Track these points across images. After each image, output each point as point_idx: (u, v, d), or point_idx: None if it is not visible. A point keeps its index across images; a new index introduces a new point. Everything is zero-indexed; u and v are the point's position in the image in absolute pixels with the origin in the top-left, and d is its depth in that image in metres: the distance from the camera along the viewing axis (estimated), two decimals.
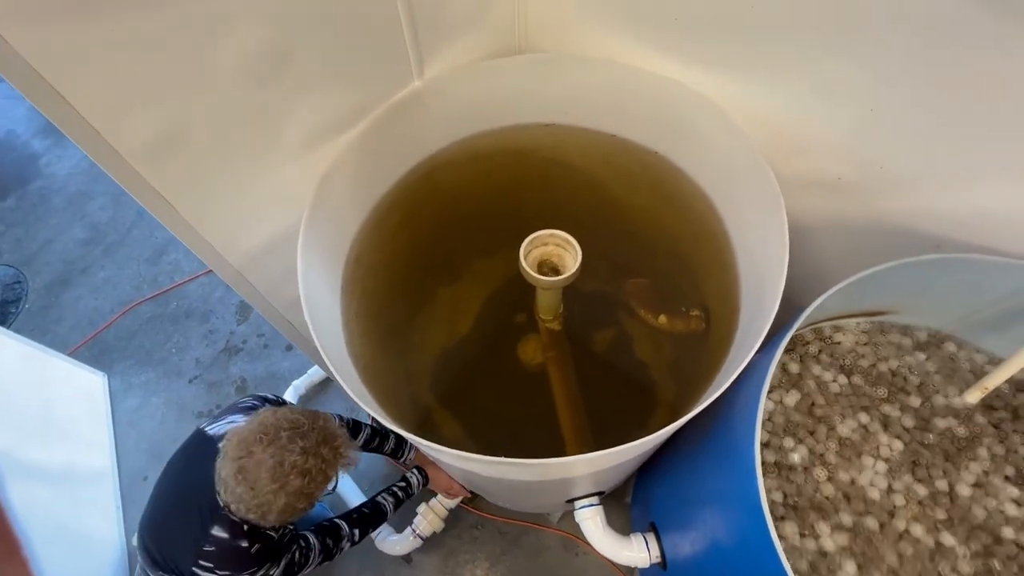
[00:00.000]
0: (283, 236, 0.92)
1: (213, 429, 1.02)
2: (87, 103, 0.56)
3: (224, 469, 0.87)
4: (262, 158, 0.81)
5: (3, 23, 0.47)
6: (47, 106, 0.53)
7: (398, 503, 1.32)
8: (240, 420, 1.03)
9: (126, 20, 0.55)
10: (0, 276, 2.31)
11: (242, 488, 0.85)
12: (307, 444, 0.88)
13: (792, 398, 0.85)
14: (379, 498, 1.29)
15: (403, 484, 1.35)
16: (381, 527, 1.50)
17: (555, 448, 1.11)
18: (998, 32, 0.58)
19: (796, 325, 0.74)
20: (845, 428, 0.81)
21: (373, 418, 1.22)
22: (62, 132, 0.56)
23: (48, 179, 2.63)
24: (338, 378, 0.70)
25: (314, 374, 1.88)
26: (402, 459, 1.41)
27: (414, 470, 1.39)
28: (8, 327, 2.12)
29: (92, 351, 2.08)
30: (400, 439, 1.38)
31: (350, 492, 1.60)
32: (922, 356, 0.87)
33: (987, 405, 0.82)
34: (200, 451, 0.99)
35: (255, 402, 1.10)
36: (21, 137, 2.81)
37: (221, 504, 0.90)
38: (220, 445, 0.92)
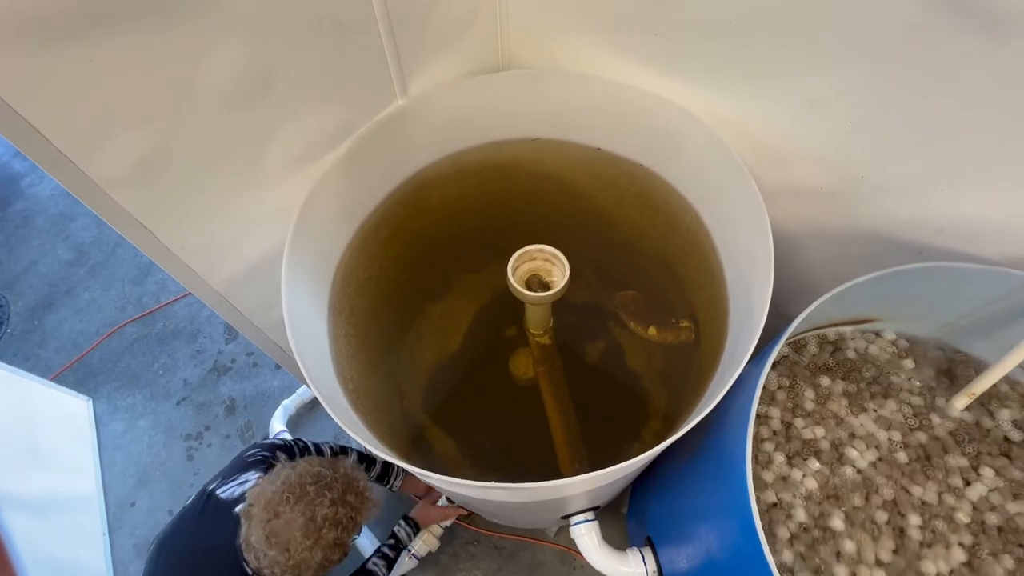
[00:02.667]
0: (268, 258, 0.91)
1: (225, 492, 0.98)
2: (59, 133, 0.55)
3: (253, 535, 0.85)
4: (244, 181, 0.80)
5: None
6: (17, 137, 0.52)
7: (390, 564, 1.27)
8: (252, 478, 0.99)
9: (101, 46, 0.54)
10: None
11: (275, 551, 0.83)
12: (334, 495, 0.88)
13: (783, 408, 0.85)
14: (369, 564, 1.23)
15: (392, 542, 1.31)
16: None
17: (549, 462, 1.10)
18: (971, 44, 0.59)
19: (784, 337, 0.74)
20: (834, 437, 0.81)
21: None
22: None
23: (30, 200, 2.60)
24: (326, 405, 0.69)
25: (304, 393, 1.85)
26: (388, 485, 1.37)
27: (401, 522, 1.35)
28: None
29: (77, 374, 2.05)
30: (387, 464, 1.35)
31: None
32: (909, 363, 0.88)
33: (975, 410, 0.82)
34: (216, 517, 0.95)
35: (263, 453, 1.06)
36: (1, 158, 2.77)
37: (251, 572, 0.87)
38: (239, 510, 0.89)
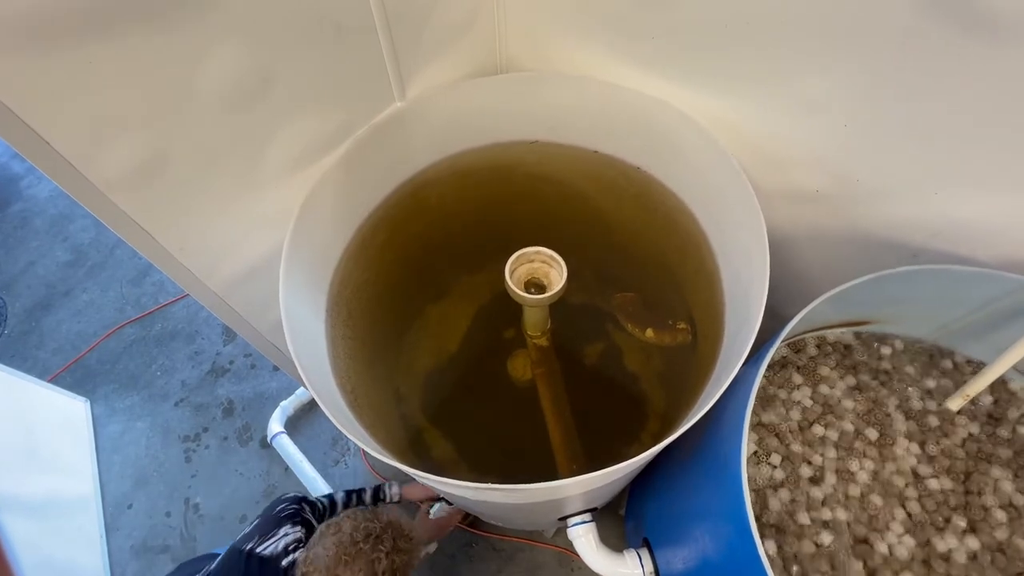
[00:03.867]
0: (266, 260, 0.91)
1: (267, 550, 0.98)
2: (58, 135, 0.55)
3: None
4: (242, 183, 0.80)
5: None
6: (16, 139, 0.52)
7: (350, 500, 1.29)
8: (290, 532, 1.00)
9: (100, 48, 0.54)
10: None
11: None
12: (387, 546, 0.90)
13: (779, 410, 0.85)
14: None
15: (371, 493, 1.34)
16: None
17: (547, 464, 1.10)
18: (966, 48, 0.59)
19: (780, 338, 0.74)
20: (831, 437, 0.82)
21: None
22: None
23: (29, 201, 2.60)
24: (323, 406, 0.69)
25: (302, 395, 1.85)
26: (386, 499, 1.39)
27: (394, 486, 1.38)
28: None
29: (75, 376, 2.04)
30: (376, 488, 1.38)
31: None
32: (905, 364, 0.88)
33: (969, 411, 0.83)
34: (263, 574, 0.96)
35: (293, 507, 1.07)
36: (0, 159, 2.77)
37: None
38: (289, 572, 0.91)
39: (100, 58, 0.55)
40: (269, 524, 1.02)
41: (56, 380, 1.99)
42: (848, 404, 0.84)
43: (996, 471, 0.77)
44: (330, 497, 1.25)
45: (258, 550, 0.97)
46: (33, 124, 0.53)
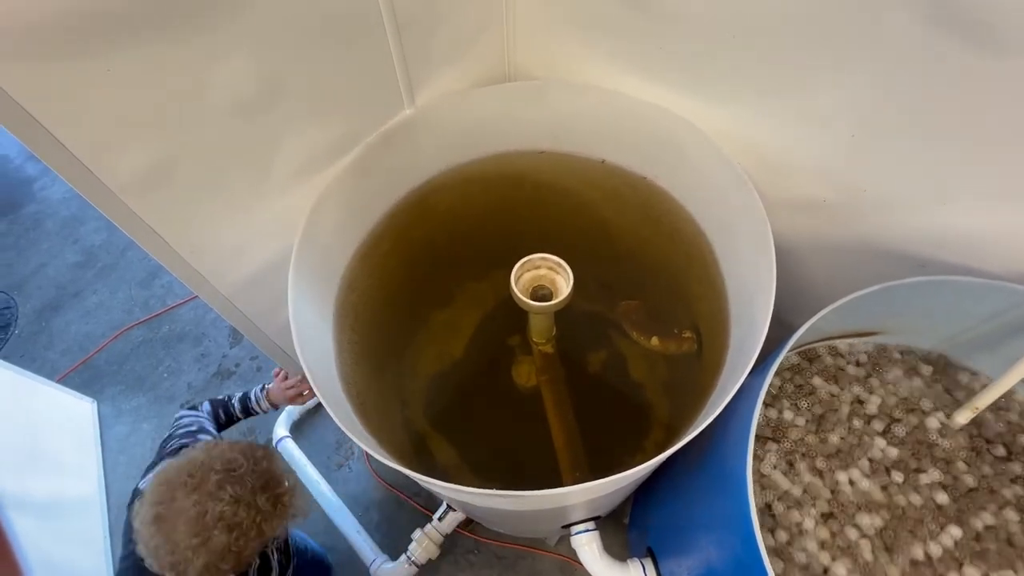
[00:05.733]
0: (274, 264, 0.92)
1: (143, 483, 0.88)
2: (76, 139, 0.56)
3: (139, 516, 0.74)
4: (253, 188, 0.81)
5: None
6: (33, 141, 0.53)
7: (219, 417, 1.14)
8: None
9: (116, 56, 0.55)
10: None
11: (157, 540, 0.71)
12: (239, 491, 0.73)
13: (783, 419, 0.85)
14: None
15: (237, 405, 1.17)
16: (377, 556, 1.48)
17: (551, 472, 1.10)
18: (971, 60, 0.60)
19: (786, 348, 0.74)
20: (835, 448, 0.81)
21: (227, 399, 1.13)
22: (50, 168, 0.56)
23: (41, 203, 2.63)
24: (328, 408, 0.70)
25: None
26: (255, 409, 1.21)
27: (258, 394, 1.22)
28: None
29: (82, 376, 2.06)
30: (244, 396, 1.20)
31: (342, 518, 1.58)
32: (912, 376, 0.87)
33: (977, 425, 0.82)
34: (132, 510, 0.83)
35: (184, 441, 0.94)
36: (14, 162, 2.82)
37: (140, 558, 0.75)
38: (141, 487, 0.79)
39: (117, 66, 0.56)
40: (159, 456, 0.94)
41: (64, 380, 2.01)
42: (850, 415, 0.84)
43: (1004, 490, 0.77)
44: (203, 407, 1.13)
45: (140, 484, 0.88)
46: (50, 127, 0.54)
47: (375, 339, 1.11)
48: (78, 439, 1.83)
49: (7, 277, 2.37)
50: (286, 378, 1.23)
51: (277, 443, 1.76)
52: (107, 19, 0.53)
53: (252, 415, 1.20)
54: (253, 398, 1.19)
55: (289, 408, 1.83)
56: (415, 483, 1.72)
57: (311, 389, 1.18)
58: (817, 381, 0.88)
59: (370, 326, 1.08)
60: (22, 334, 2.20)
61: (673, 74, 0.90)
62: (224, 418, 1.15)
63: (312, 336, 0.87)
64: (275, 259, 0.91)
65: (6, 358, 2.00)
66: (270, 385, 1.23)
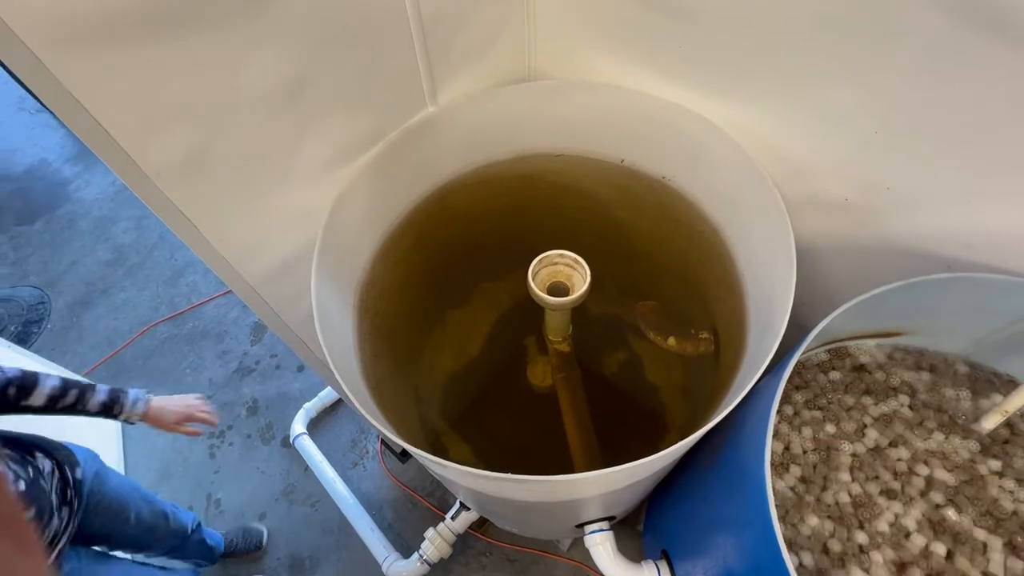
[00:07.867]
0: (298, 256, 0.94)
1: None
2: (117, 124, 0.59)
3: None
4: (280, 180, 0.84)
5: (41, 47, 0.50)
6: (78, 126, 0.56)
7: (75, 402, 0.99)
8: None
9: (157, 45, 0.58)
10: (25, 297, 2.38)
11: None
12: None
13: (801, 420, 0.84)
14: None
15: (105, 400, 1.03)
16: (389, 553, 1.48)
17: (564, 469, 1.09)
18: (997, 55, 0.59)
19: (804, 345, 0.73)
20: (855, 450, 0.80)
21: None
22: (93, 153, 0.59)
23: (76, 204, 2.74)
24: (349, 394, 0.71)
25: (325, 397, 1.88)
26: (121, 413, 1.07)
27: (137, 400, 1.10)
28: (30, 347, 2.18)
29: (109, 370, 2.12)
30: (112, 394, 1.05)
31: (355, 515, 1.58)
32: (937, 378, 0.86)
33: (1006, 430, 0.80)
34: None
35: None
36: (52, 164, 2.93)
37: None
38: None
39: (159, 56, 0.59)
40: None
41: (92, 374, 2.07)
42: (871, 416, 0.82)
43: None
44: (34, 376, 0.96)
45: None
46: (96, 114, 0.57)
47: (393, 335, 1.12)
48: (101, 431, 1.88)
49: (42, 274, 2.47)
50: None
51: (294, 440, 1.78)
52: (152, 12, 0.56)
53: (110, 416, 1.06)
54: (130, 399, 1.07)
55: (307, 405, 1.86)
56: (428, 483, 1.73)
57: (206, 418, 1.18)
58: (835, 381, 0.87)
59: (389, 321, 1.10)
60: (54, 328, 2.28)
61: (692, 74, 0.91)
62: (69, 399, 0.98)
63: (332, 328, 0.89)
64: (300, 250, 0.93)
65: (38, 351, 2.08)
66: (155, 398, 1.12)
